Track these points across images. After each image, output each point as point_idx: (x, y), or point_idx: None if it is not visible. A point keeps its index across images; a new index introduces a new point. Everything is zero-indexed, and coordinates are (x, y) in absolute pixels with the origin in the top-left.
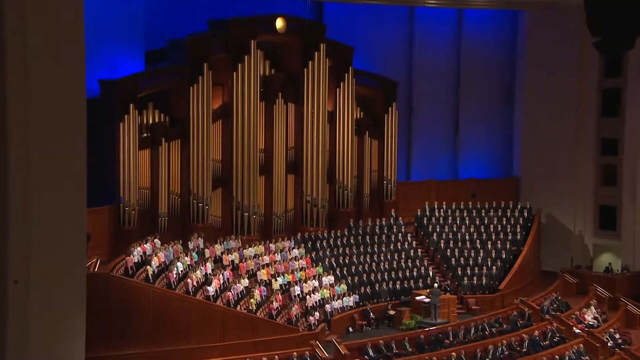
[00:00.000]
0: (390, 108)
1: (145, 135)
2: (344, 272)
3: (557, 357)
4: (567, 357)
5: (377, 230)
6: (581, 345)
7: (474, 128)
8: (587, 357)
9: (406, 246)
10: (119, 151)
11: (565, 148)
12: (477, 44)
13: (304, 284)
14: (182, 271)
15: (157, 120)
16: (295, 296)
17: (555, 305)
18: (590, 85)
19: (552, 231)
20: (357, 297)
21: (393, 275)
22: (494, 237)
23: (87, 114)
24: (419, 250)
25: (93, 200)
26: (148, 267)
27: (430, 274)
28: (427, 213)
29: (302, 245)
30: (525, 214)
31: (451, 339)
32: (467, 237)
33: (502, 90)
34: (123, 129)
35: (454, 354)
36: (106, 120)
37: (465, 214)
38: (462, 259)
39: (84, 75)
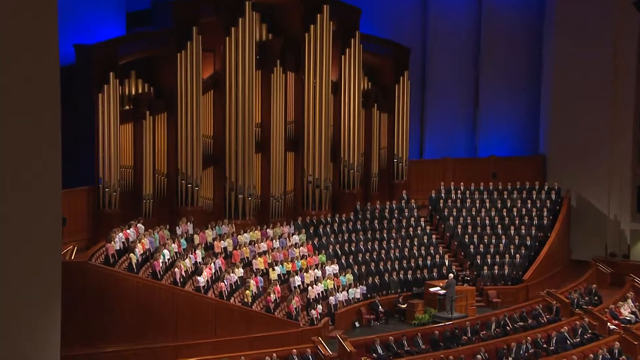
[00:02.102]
0: (401, 78)
1: (127, 107)
2: (350, 260)
3: (590, 355)
4: (600, 356)
5: (386, 214)
6: (617, 343)
7: (496, 100)
8: (624, 357)
9: (419, 232)
10: (97, 125)
11: (599, 122)
12: (500, 6)
13: (305, 273)
14: (169, 259)
15: (140, 90)
16: (295, 287)
17: (586, 298)
18: (628, 51)
19: (583, 215)
20: (365, 288)
21: (404, 264)
22: (517, 222)
23: (61, 84)
24: (434, 236)
25: (69, 181)
26: (131, 255)
27: (446, 263)
28: (443, 195)
29: (303, 230)
30: (553, 196)
31: (469, 335)
32: (488, 222)
33: (528, 57)
34: (102, 101)
35: (472, 352)
36: (83, 91)
37: (485, 196)
38: (481, 246)
39: (57, 39)
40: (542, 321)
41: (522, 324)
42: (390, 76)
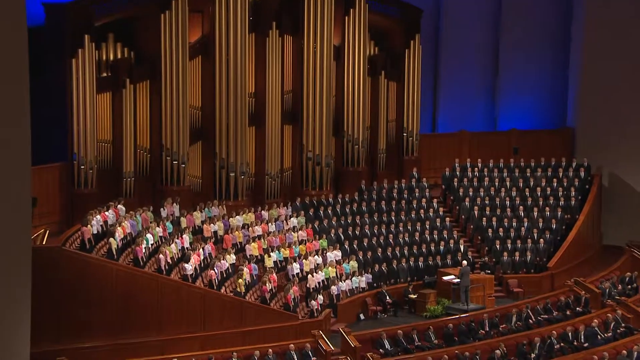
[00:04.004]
0: (412, 42)
1: (104, 74)
2: (354, 246)
3: (624, 352)
4: (635, 353)
5: (394, 194)
6: None
7: (518, 66)
8: None
9: (431, 214)
10: (71, 95)
11: (634, 91)
12: None
13: (304, 260)
14: (152, 245)
15: (119, 56)
16: (293, 275)
17: (619, 287)
18: None
19: (616, 195)
20: (370, 276)
21: (415, 250)
22: (541, 203)
23: (30, 48)
24: (447, 219)
25: (40, 157)
26: (110, 239)
27: (461, 249)
28: (458, 173)
29: (302, 212)
30: (582, 174)
31: (487, 328)
32: (508, 203)
33: (555, 18)
34: (76, 67)
35: (490, 347)
36: (54, 56)
37: (505, 174)
38: (501, 230)
39: None
40: (569, 314)
41: (546, 316)
42: (399, 40)
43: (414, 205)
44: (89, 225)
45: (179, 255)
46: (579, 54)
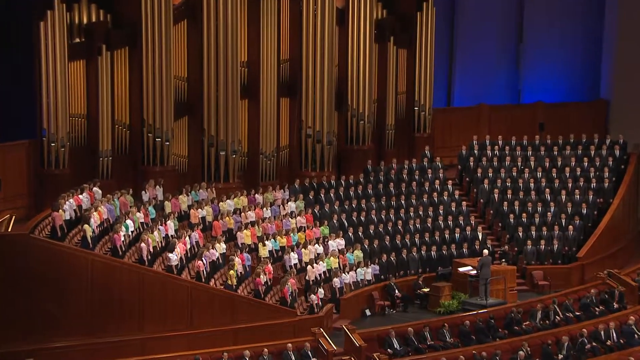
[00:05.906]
0: (424, 3)
1: (77, 40)
2: (359, 233)
3: None
4: None
5: (404, 175)
6: None
7: (545, 31)
8: None
9: (445, 198)
10: (40, 63)
11: None
12: None
13: (303, 249)
14: (132, 232)
15: (94, 19)
16: (291, 266)
17: None
18: None
19: None
20: (377, 268)
21: (427, 239)
22: (570, 185)
23: None
24: (464, 203)
25: (5, 133)
26: (85, 226)
27: (480, 237)
28: (476, 152)
29: (301, 196)
30: (617, 152)
31: (510, 326)
32: (532, 185)
33: None
34: (45, 32)
35: (512, 347)
36: (20, 19)
37: (529, 153)
38: (524, 215)
39: None
40: (602, 310)
41: (576, 313)
42: (410, 1)
43: (426, 188)
44: (60, 210)
45: (163, 244)
46: (615, 17)
